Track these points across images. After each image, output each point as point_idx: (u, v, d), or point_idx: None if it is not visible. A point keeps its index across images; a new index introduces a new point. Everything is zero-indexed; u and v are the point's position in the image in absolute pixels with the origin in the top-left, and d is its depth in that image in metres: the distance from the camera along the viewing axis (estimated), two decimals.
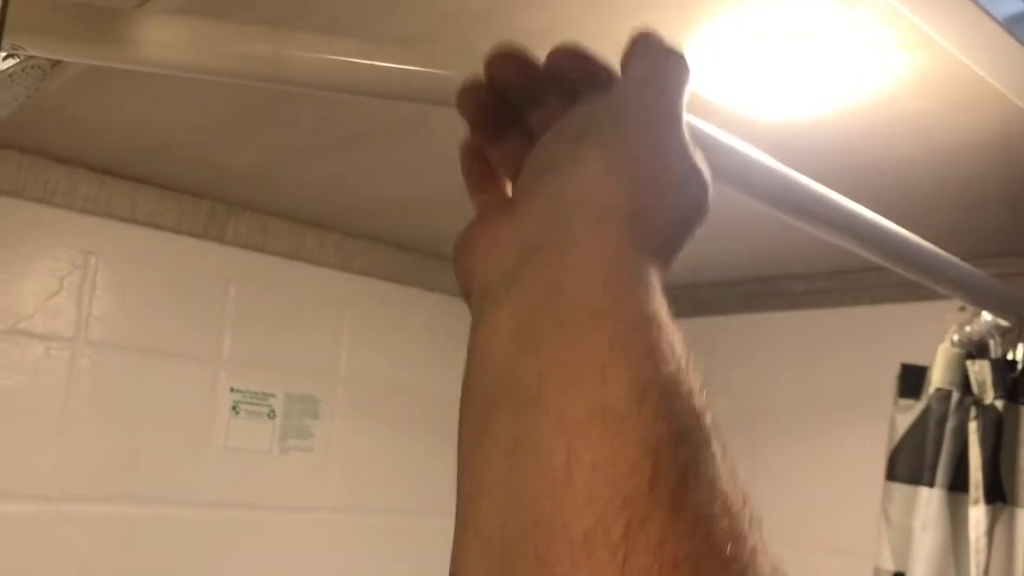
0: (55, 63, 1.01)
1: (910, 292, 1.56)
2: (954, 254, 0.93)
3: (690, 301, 1.80)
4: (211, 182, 1.42)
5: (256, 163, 1.32)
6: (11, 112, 1.08)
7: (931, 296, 1.56)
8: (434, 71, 0.53)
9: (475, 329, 0.36)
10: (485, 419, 0.32)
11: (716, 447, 0.30)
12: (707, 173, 0.40)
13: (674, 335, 0.32)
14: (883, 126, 1.00)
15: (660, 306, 0.33)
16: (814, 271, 1.69)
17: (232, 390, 1.49)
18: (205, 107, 1.13)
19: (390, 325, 1.72)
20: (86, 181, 1.36)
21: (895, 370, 1.35)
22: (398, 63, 0.54)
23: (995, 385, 1.16)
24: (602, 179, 0.37)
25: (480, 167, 0.48)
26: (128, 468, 1.37)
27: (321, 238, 1.62)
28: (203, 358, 1.47)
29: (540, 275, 0.34)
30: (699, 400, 0.31)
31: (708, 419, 0.30)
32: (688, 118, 0.42)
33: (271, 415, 1.53)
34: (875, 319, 1.59)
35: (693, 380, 0.31)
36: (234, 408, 1.49)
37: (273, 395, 1.54)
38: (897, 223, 0.83)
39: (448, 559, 0.30)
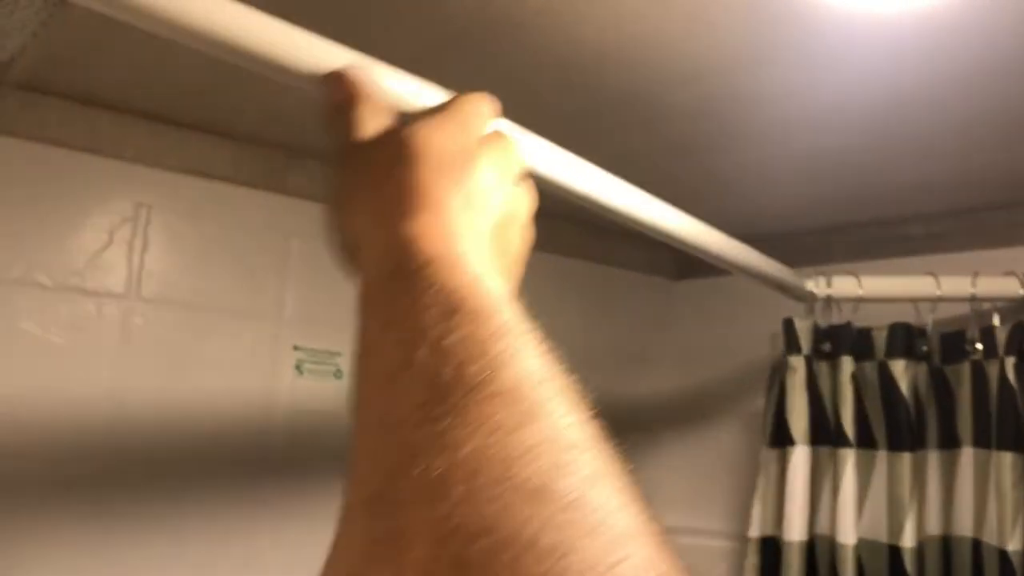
0: None
1: None
2: None
3: (796, 249, 1.65)
4: (267, 128, 1.33)
5: (313, 105, 1.22)
6: (25, 40, 1.00)
7: None
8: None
9: None
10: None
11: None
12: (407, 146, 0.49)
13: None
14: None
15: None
16: (933, 211, 1.51)
17: (295, 348, 1.41)
18: None
19: None
20: (134, 128, 1.28)
21: None
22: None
23: None
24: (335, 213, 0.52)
25: None
26: (186, 432, 1.30)
27: None
28: (263, 315, 1.39)
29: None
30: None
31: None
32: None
33: (338, 375, 1.44)
34: (1004, 262, 1.40)
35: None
36: (298, 367, 1.40)
37: (339, 354, 1.45)
38: None
39: None
